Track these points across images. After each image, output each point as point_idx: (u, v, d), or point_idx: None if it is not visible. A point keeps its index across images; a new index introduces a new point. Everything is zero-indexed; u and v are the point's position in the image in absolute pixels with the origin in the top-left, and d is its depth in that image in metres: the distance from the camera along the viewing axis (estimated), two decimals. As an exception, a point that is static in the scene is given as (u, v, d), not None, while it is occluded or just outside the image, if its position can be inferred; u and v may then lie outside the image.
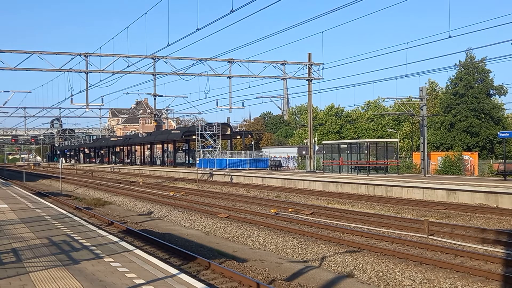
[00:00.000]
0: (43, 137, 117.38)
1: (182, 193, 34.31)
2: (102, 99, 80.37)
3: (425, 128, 38.83)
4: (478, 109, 60.93)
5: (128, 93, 54.36)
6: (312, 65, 43.83)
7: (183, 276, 8.66)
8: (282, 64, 43.59)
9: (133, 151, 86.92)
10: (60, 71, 38.90)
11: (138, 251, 10.92)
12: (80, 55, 38.03)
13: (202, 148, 54.24)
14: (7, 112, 71.65)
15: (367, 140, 47.32)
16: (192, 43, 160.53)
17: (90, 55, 38.14)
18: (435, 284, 10.92)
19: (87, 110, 58.94)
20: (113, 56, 38.63)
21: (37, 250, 10.75)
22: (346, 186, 32.87)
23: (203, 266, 12.77)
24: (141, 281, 8.27)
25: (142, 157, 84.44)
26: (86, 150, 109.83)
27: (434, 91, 70.43)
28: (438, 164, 43.32)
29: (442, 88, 70.73)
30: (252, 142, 72.92)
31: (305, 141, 69.63)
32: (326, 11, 38.03)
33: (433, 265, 12.13)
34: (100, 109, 74.62)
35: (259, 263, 13.99)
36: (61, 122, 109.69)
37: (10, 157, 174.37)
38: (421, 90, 38.36)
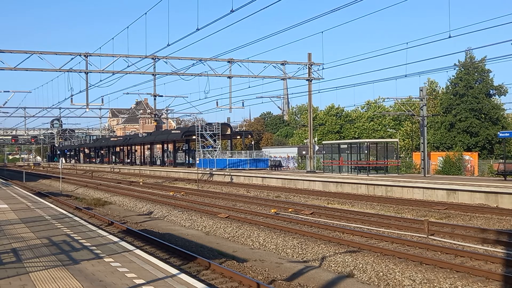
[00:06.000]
0: (43, 137, 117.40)
1: (182, 193, 34.30)
2: (102, 99, 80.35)
3: (425, 128, 38.82)
4: (478, 109, 60.92)
5: (128, 93, 54.55)
6: (312, 65, 43.82)
7: (183, 276, 8.66)
8: (282, 64, 43.58)
9: (133, 151, 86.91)
10: (60, 71, 38.92)
11: (138, 251, 10.92)
12: (80, 55, 38.02)
13: (202, 148, 54.23)
14: (7, 112, 71.94)
15: (367, 140, 47.31)
16: (192, 43, 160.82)
17: (90, 55, 38.13)
18: (435, 284, 10.92)
19: (87, 110, 59.07)
20: (113, 56, 38.63)
21: (37, 250, 10.75)
22: (346, 186, 32.87)
23: (203, 266, 12.77)
24: (141, 281, 8.27)
25: (142, 157, 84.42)
26: (86, 150, 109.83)
27: (434, 91, 70.38)
28: (438, 164, 43.32)
29: (442, 88, 70.71)
30: (252, 142, 72.91)
31: (305, 141, 69.60)
32: (326, 11, 38.10)
33: (433, 265, 12.13)
34: (100, 109, 74.93)
35: (259, 263, 13.98)
36: (61, 122, 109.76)
37: (10, 157, 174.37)
38: (421, 90, 38.36)
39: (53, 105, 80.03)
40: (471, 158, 46.15)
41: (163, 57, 39.57)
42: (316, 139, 59.05)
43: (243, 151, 57.93)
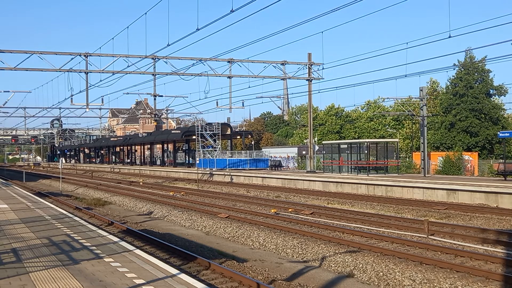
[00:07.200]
0: (43, 137, 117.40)
1: (182, 193, 34.30)
2: (102, 99, 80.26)
3: (425, 128, 38.83)
4: (478, 109, 60.94)
5: (128, 93, 54.51)
6: (312, 65, 43.81)
7: (183, 276, 8.66)
8: (282, 64, 43.56)
9: (133, 151, 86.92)
10: (60, 71, 38.90)
11: (138, 251, 10.91)
12: (80, 55, 38.01)
13: (202, 148, 54.23)
14: (7, 112, 71.87)
15: (367, 140, 47.30)
16: (192, 43, 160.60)
17: (90, 55, 38.12)
18: (435, 284, 10.92)
19: (87, 110, 59.05)
20: (113, 56, 38.62)
21: (37, 250, 10.75)
22: (346, 186, 32.87)
23: (203, 266, 12.77)
24: (141, 281, 8.27)
25: (142, 157, 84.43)
26: (86, 150, 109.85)
27: (435, 91, 70.37)
28: (438, 164, 43.32)
29: (442, 88, 70.73)
30: (252, 142, 72.90)
31: (305, 141, 69.58)
32: (326, 11, 38.12)
33: (433, 265, 12.13)
34: (100, 109, 74.88)
35: (259, 263, 13.98)
36: (61, 122, 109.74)
37: (10, 157, 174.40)
38: (421, 90, 38.36)
39: (53, 105, 79.95)
40: (471, 158, 46.15)
41: (163, 57, 39.56)
42: (316, 139, 59.04)
43: (243, 151, 57.94)
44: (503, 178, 28.84)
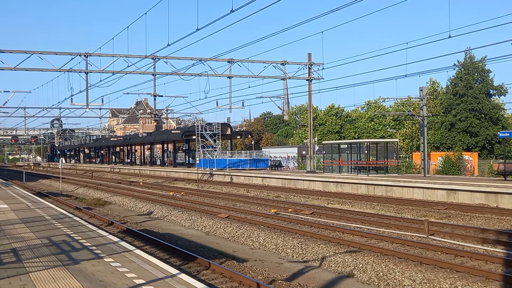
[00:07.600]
0: (43, 137, 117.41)
1: (182, 193, 34.30)
2: (102, 99, 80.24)
3: (425, 128, 38.83)
4: (478, 109, 60.94)
5: (128, 93, 54.52)
6: (312, 65, 43.81)
7: (183, 276, 8.66)
8: (282, 64, 43.56)
9: (133, 151, 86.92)
10: (60, 71, 38.90)
11: (138, 251, 10.91)
12: (80, 55, 38.01)
13: (202, 148, 54.24)
14: (7, 112, 71.89)
15: (367, 140, 47.28)
16: (192, 43, 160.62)
17: (90, 55, 38.11)
18: (435, 284, 10.92)
19: (87, 110, 59.02)
20: (113, 56, 38.61)
21: (37, 250, 10.75)
22: (346, 186, 32.87)
23: (203, 266, 12.77)
24: (141, 281, 8.27)
25: (142, 157, 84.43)
26: (86, 150, 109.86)
27: (435, 91, 70.37)
28: (438, 164, 43.32)
29: (442, 88, 70.73)
30: (252, 142, 72.90)
31: (305, 141, 69.56)
32: (326, 11, 38.14)
33: (433, 265, 12.13)
34: (100, 109, 74.87)
35: (259, 263, 13.98)
36: (61, 122, 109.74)
37: (10, 157, 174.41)
38: (421, 90, 38.36)
39: (53, 105, 79.97)
40: (471, 158, 46.14)
41: (163, 57, 39.55)
42: (316, 139, 59.03)
43: (243, 151, 57.94)
44: (503, 178, 28.84)
